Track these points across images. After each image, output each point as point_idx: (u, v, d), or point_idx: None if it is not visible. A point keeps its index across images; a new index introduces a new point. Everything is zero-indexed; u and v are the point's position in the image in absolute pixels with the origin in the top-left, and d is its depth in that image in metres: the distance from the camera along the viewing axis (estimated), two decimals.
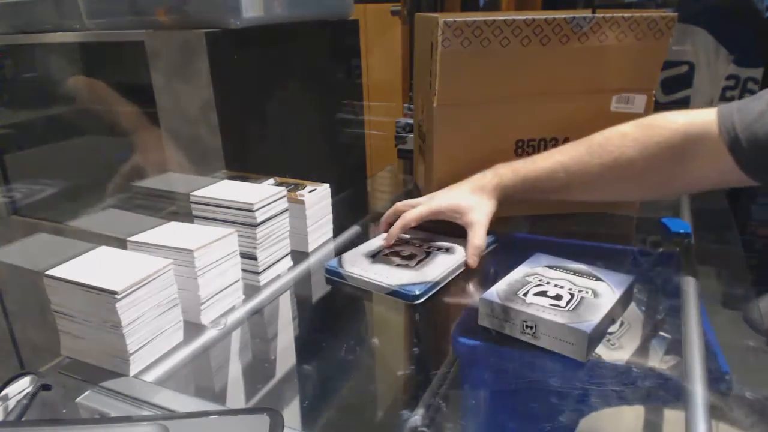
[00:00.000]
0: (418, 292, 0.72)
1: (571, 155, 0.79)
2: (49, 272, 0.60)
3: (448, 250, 0.83)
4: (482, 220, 0.80)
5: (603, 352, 0.63)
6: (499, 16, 0.87)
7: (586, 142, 0.79)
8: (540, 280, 0.68)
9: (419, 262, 0.80)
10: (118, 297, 0.56)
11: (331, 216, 0.92)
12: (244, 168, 0.96)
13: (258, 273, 0.78)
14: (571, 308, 0.61)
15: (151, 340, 0.61)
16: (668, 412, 0.54)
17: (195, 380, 0.64)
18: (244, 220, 0.75)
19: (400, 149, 1.46)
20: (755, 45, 1.47)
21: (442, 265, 0.79)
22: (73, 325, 0.61)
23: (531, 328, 0.60)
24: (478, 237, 0.79)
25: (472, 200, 0.82)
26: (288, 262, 0.83)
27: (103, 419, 0.53)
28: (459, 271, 0.80)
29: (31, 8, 1.11)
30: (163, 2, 0.93)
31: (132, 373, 0.60)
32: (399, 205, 0.88)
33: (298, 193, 0.85)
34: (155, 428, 0.45)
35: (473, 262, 0.79)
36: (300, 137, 1.16)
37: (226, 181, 0.85)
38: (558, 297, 0.63)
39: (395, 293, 0.73)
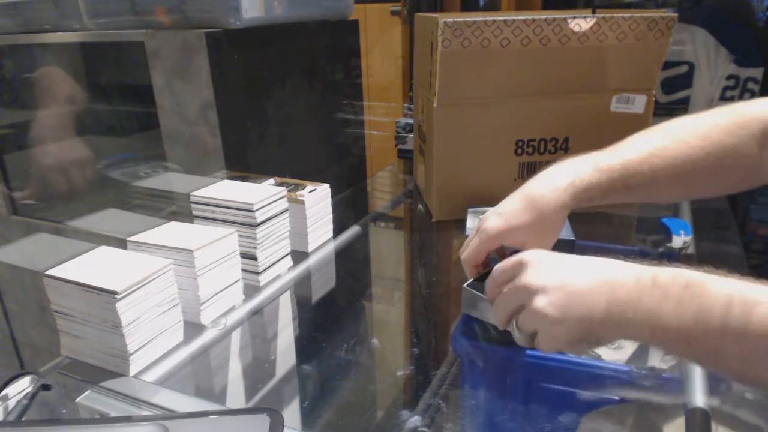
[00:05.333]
0: None
1: (656, 146, 0.64)
2: (49, 272, 0.60)
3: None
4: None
5: (603, 351, 0.63)
6: (499, 16, 0.87)
7: (664, 131, 0.65)
8: None
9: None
10: (118, 297, 0.56)
11: (331, 216, 0.92)
12: (244, 168, 0.96)
13: (258, 273, 0.78)
14: None
15: (151, 340, 0.61)
16: (668, 412, 0.54)
17: (195, 380, 0.64)
18: (244, 220, 0.75)
19: (400, 149, 1.46)
20: (755, 45, 1.47)
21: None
22: (73, 325, 0.61)
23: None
24: None
25: None
26: (288, 262, 0.83)
27: (103, 419, 0.53)
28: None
29: (31, 8, 1.11)
30: (163, 2, 0.93)
31: (132, 373, 0.60)
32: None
33: (298, 193, 0.85)
34: (155, 428, 0.45)
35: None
36: (300, 137, 1.16)
37: (226, 181, 0.85)
38: None
39: None
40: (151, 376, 0.60)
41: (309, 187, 0.87)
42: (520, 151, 0.97)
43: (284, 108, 1.09)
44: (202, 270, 0.67)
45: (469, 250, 0.63)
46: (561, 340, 0.47)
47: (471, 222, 0.79)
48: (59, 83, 1.15)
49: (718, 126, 0.64)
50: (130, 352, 0.59)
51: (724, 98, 1.49)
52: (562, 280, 0.48)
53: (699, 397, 0.52)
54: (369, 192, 1.32)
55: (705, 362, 0.46)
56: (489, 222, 0.61)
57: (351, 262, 0.93)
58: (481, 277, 0.61)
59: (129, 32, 0.97)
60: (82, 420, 0.54)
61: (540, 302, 0.47)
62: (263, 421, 0.47)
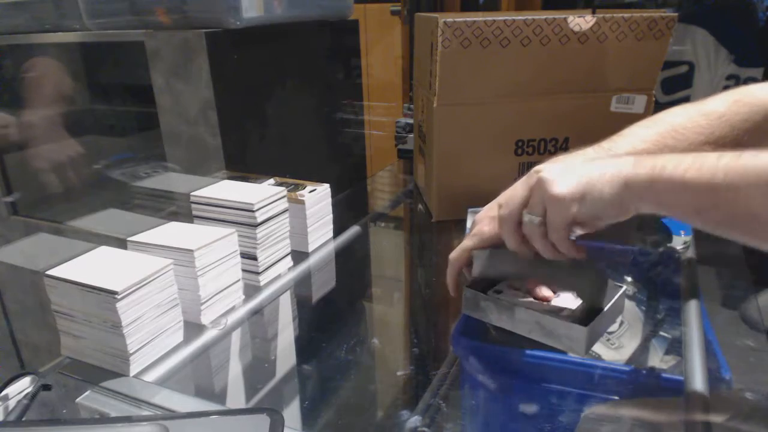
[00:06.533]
0: None
1: (653, 141, 0.63)
2: (49, 272, 0.60)
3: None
4: None
5: (603, 351, 0.63)
6: (499, 16, 0.87)
7: (659, 126, 0.64)
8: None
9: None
10: (118, 297, 0.56)
11: (331, 216, 0.92)
12: (244, 168, 0.96)
13: (258, 273, 0.78)
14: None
15: (151, 340, 0.61)
16: (668, 412, 0.54)
17: (195, 380, 0.64)
18: (244, 220, 0.75)
19: (400, 149, 1.46)
20: (755, 45, 1.47)
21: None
22: (73, 325, 0.61)
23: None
24: None
25: None
26: (288, 262, 0.83)
27: (103, 419, 0.53)
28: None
29: (31, 8, 1.11)
30: (163, 2, 0.93)
31: (132, 373, 0.60)
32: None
33: (298, 193, 0.85)
34: (155, 428, 0.45)
35: None
36: (300, 137, 1.16)
37: (226, 181, 0.85)
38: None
39: None
40: (151, 376, 0.60)
41: (309, 187, 0.87)
42: (520, 151, 0.97)
43: (284, 108, 1.09)
44: (203, 270, 0.67)
45: (458, 250, 0.63)
46: (564, 202, 0.51)
47: (471, 222, 0.79)
48: (51, 74, 1.15)
49: (721, 118, 0.62)
50: (130, 352, 0.59)
51: None
52: (563, 162, 0.56)
53: (699, 397, 0.52)
54: (369, 192, 1.32)
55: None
56: (483, 225, 0.61)
57: (351, 262, 0.93)
58: (480, 282, 0.61)
59: (129, 32, 0.97)
60: (82, 420, 0.54)
61: (543, 172, 0.54)
62: (263, 421, 0.47)
